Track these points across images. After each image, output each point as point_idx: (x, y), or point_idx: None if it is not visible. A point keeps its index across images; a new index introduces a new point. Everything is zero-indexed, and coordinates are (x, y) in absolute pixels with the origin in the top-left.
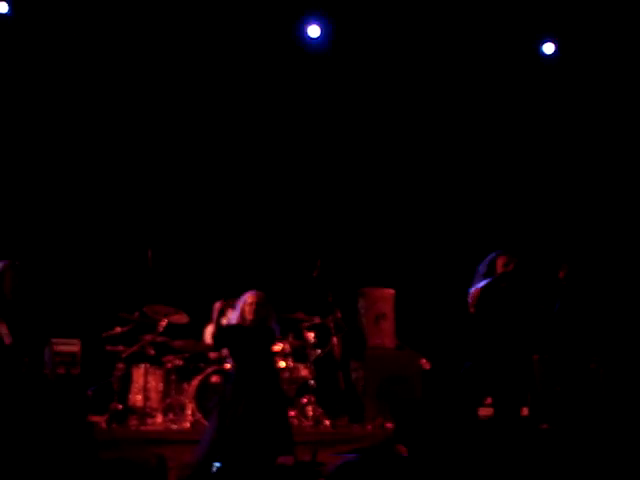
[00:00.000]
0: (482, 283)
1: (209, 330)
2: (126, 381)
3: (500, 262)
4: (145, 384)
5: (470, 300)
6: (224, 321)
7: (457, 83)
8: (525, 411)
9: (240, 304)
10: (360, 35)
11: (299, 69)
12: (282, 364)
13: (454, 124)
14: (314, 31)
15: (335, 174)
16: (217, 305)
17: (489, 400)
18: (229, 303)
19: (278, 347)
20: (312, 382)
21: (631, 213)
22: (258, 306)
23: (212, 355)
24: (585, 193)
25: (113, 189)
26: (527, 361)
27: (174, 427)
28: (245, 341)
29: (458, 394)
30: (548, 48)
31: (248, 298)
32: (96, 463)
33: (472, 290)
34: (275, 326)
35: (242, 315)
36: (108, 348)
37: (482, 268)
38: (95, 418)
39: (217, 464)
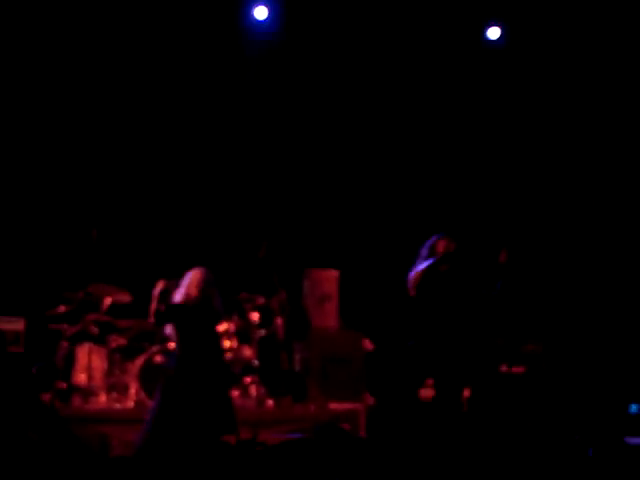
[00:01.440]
0: (423, 265)
1: (152, 310)
2: (70, 360)
3: (441, 245)
4: (89, 363)
5: (410, 283)
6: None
7: (403, 67)
8: (467, 393)
9: (186, 282)
10: (307, 21)
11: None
12: (226, 344)
13: (398, 107)
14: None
15: (281, 155)
16: (159, 284)
17: (430, 382)
18: (172, 282)
19: (222, 327)
20: (256, 362)
21: (570, 196)
22: (204, 284)
23: (156, 334)
24: (524, 176)
25: (58, 167)
26: (468, 343)
27: (118, 406)
28: (191, 319)
29: (399, 375)
30: (493, 33)
31: (194, 275)
32: (70, 438)
33: (412, 273)
34: (220, 305)
35: (187, 293)
36: (52, 327)
37: (424, 251)
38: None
39: None
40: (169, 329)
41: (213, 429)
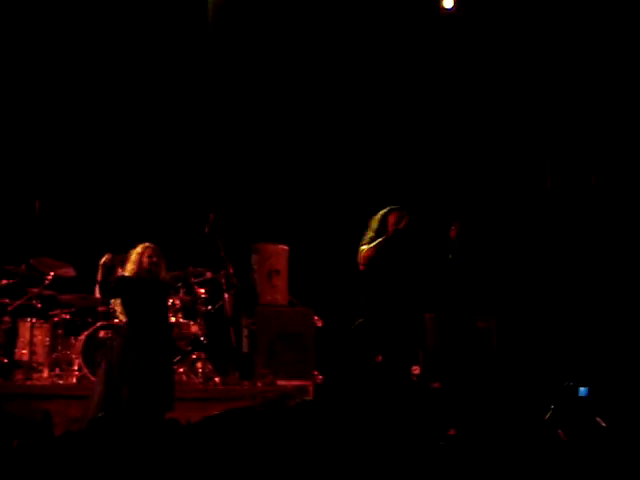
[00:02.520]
0: (374, 243)
1: (98, 285)
2: (12, 335)
3: (392, 219)
4: (31, 338)
5: (361, 258)
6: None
7: (359, 39)
8: (417, 370)
9: (135, 256)
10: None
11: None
12: (172, 319)
13: (347, 80)
14: None
15: (228, 128)
16: (105, 257)
17: (379, 358)
18: (118, 257)
19: (168, 302)
20: (202, 338)
21: (521, 171)
22: (152, 258)
23: (101, 309)
24: (477, 150)
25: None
26: (418, 320)
27: (60, 382)
28: (141, 293)
29: (349, 350)
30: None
31: (144, 250)
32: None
33: (364, 248)
34: (169, 279)
35: (139, 267)
36: None
37: (373, 224)
38: None
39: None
40: (115, 305)
41: (157, 406)
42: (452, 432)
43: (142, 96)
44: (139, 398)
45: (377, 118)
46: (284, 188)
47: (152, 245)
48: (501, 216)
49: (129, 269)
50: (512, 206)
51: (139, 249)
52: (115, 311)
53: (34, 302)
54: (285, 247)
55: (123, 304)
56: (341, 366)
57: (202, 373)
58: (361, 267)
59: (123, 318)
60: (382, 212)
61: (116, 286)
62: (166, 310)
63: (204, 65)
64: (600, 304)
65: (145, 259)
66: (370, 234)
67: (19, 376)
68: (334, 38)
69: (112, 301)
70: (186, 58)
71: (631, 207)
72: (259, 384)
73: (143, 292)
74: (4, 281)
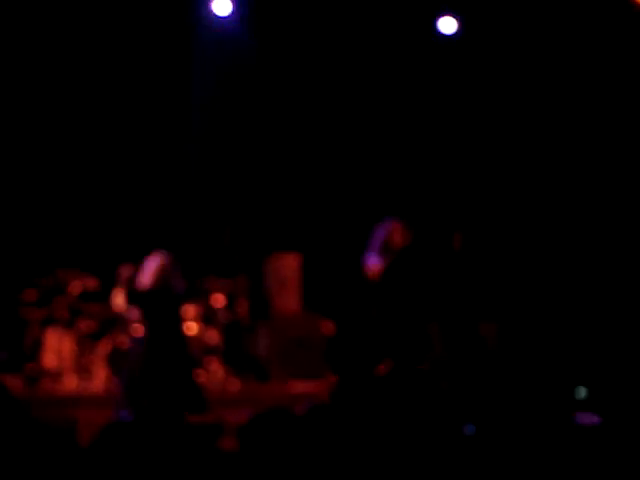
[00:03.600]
0: (382, 261)
1: (116, 295)
2: (39, 344)
3: (397, 233)
4: (58, 346)
5: (370, 273)
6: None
7: (361, 57)
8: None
9: (146, 267)
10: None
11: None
12: (192, 327)
13: (354, 94)
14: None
15: (242, 141)
16: (124, 270)
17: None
18: (136, 268)
19: (187, 311)
20: (220, 345)
21: (521, 183)
22: (163, 269)
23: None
24: (477, 162)
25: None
26: (425, 328)
27: (87, 389)
28: (151, 304)
29: (359, 357)
30: (446, 26)
31: (154, 261)
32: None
33: (371, 263)
34: (182, 288)
35: (147, 278)
36: (21, 311)
37: (379, 234)
38: (9, 380)
39: None
40: (134, 314)
41: (182, 410)
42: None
43: (162, 109)
44: (162, 405)
45: (385, 129)
46: (297, 198)
47: (163, 255)
48: (503, 224)
49: (141, 281)
50: (514, 214)
51: (150, 260)
52: (135, 321)
53: (60, 312)
54: (297, 256)
55: (141, 315)
56: (353, 370)
57: (219, 377)
58: (370, 278)
59: (138, 329)
60: (386, 224)
61: (130, 299)
62: (179, 319)
63: (215, 74)
64: (604, 309)
65: (155, 271)
66: (375, 244)
67: (46, 383)
68: (337, 57)
69: (127, 311)
70: (195, 68)
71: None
72: (275, 387)
73: (154, 303)
74: (31, 292)
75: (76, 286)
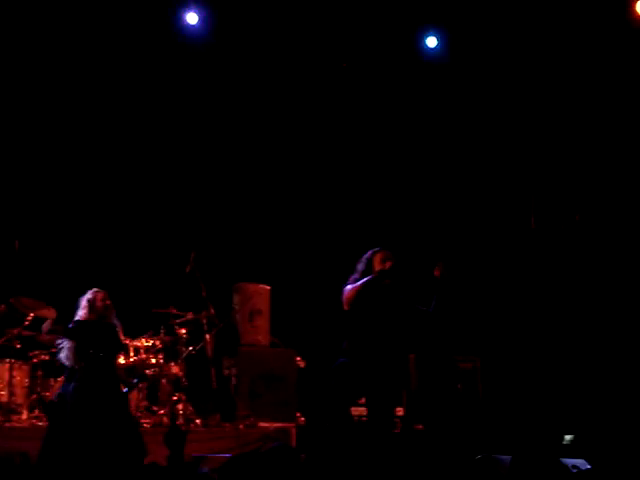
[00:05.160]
0: (359, 283)
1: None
2: None
3: (377, 259)
4: (10, 379)
5: (345, 298)
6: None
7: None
8: (400, 411)
9: (87, 301)
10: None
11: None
12: (152, 360)
13: (331, 120)
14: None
15: (210, 168)
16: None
17: (363, 400)
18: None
19: (148, 342)
20: (183, 380)
21: (503, 210)
22: (109, 302)
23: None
24: (461, 189)
25: None
26: (402, 360)
27: (40, 424)
28: (96, 336)
29: (331, 392)
30: (431, 42)
31: (96, 294)
32: None
33: (348, 288)
34: (117, 322)
35: (91, 311)
36: None
37: (360, 265)
38: None
39: None
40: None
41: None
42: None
43: (122, 135)
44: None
45: (361, 158)
46: (266, 228)
47: (102, 290)
48: (485, 255)
49: (82, 314)
50: (496, 244)
51: (90, 295)
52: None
53: (13, 343)
54: (267, 287)
55: (77, 348)
56: (323, 408)
57: (183, 415)
58: (345, 307)
59: (68, 362)
60: (368, 253)
61: (76, 329)
62: (114, 355)
63: (187, 100)
64: (587, 343)
65: (99, 303)
66: (355, 276)
67: None
68: (314, 75)
69: (60, 343)
70: (170, 92)
71: (615, 244)
72: (240, 426)
73: (98, 335)
74: None
75: (30, 316)
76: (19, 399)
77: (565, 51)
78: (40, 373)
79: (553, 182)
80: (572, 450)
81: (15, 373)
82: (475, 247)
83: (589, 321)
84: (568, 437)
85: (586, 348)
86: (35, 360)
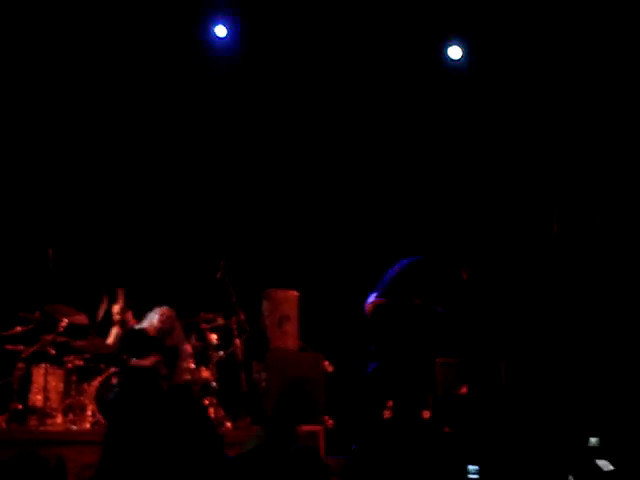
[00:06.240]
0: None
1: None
2: (26, 381)
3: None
4: (45, 384)
5: (367, 310)
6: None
7: (366, 86)
8: (427, 414)
9: (153, 318)
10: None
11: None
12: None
13: (358, 128)
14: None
15: (240, 174)
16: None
17: (390, 403)
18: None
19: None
20: (214, 384)
21: (529, 214)
22: (166, 320)
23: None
24: (486, 195)
25: (13, 185)
26: (429, 364)
27: (74, 428)
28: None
29: (364, 396)
30: (454, 52)
31: (162, 313)
32: None
33: (369, 301)
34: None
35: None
36: (8, 347)
37: (388, 275)
38: None
39: None
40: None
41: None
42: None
43: (155, 145)
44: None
45: (388, 166)
46: (293, 235)
47: (168, 309)
48: (509, 260)
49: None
50: (520, 250)
51: (156, 310)
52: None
53: (48, 349)
54: (295, 293)
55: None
56: (353, 411)
57: (214, 418)
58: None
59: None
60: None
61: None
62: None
63: (214, 111)
64: (609, 347)
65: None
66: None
67: (33, 422)
68: (341, 85)
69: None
70: (195, 102)
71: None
72: None
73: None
74: (18, 328)
75: (64, 322)
76: (54, 404)
77: (585, 59)
78: (74, 378)
79: (575, 187)
80: (598, 453)
81: (50, 378)
82: (499, 252)
83: (614, 325)
84: (594, 440)
85: (609, 352)
86: (69, 365)
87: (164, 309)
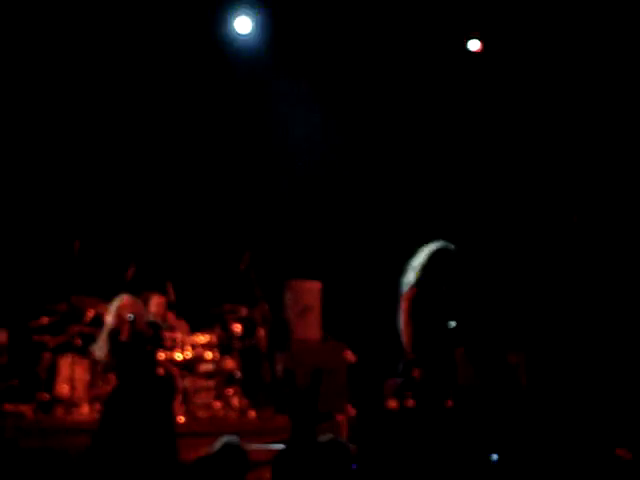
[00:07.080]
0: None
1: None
2: (52, 371)
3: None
4: (71, 374)
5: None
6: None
7: (387, 80)
8: (450, 403)
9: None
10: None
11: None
12: (208, 355)
13: (381, 119)
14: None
15: (263, 167)
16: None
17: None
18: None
19: (204, 338)
20: (238, 374)
21: (549, 205)
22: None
23: None
24: (508, 186)
25: (40, 178)
26: (450, 354)
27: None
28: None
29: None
30: (474, 45)
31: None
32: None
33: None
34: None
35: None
36: (35, 338)
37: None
38: (22, 407)
39: None
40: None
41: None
42: None
43: (177, 138)
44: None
45: (409, 157)
46: (317, 226)
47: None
48: (528, 250)
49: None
50: (540, 239)
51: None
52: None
53: (74, 339)
54: (318, 284)
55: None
56: (375, 400)
57: (238, 407)
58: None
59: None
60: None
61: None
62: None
63: (236, 105)
64: (631, 339)
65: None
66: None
67: (59, 412)
68: (362, 81)
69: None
70: (219, 96)
71: None
72: None
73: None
74: (45, 319)
75: (91, 313)
76: (80, 394)
77: (596, 56)
78: (100, 368)
79: (594, 177)
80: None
81: (76, 368)
82: (518, 242)
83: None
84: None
85: (629, 343)
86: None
87: (123, 298)
